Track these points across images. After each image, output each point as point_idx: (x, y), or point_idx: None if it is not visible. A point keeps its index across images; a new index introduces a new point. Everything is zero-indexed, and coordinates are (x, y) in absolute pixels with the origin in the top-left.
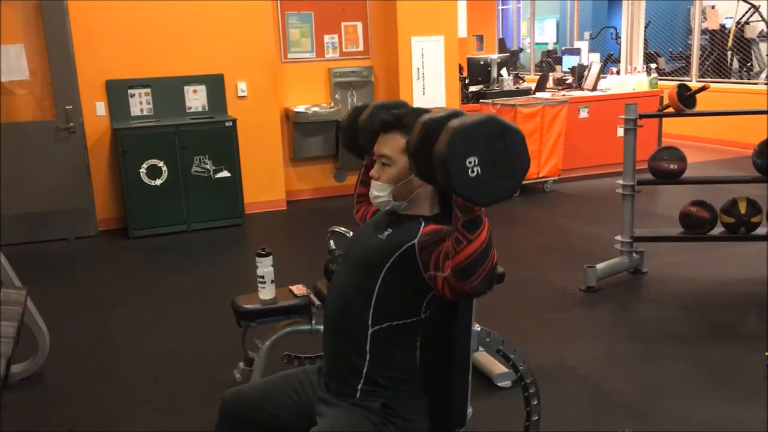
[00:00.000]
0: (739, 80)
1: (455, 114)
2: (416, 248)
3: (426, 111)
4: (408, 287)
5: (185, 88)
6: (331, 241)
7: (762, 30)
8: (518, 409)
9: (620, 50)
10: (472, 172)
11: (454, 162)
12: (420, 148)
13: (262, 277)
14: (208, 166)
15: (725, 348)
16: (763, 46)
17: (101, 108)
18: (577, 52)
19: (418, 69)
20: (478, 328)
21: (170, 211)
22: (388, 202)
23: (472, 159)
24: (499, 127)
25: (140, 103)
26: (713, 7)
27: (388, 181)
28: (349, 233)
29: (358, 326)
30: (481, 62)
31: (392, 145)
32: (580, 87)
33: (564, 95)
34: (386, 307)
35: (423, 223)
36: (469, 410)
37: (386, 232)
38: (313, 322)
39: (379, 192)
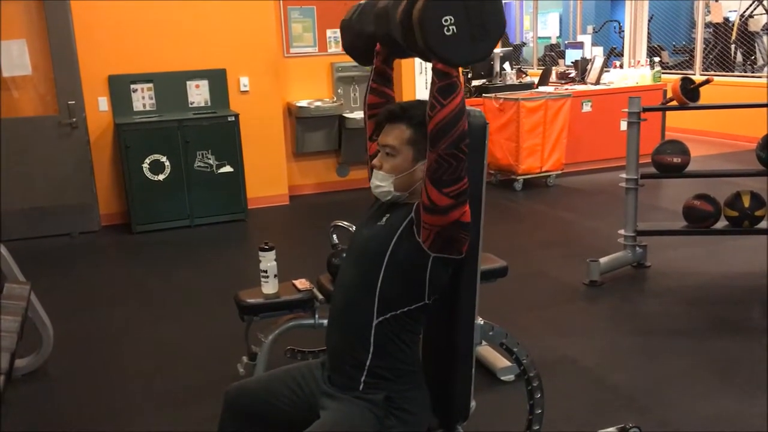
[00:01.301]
0: (742, 73)
1: None
2: (413, 220)
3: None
4: (410, 266)
5: (188, 83)
6: (334, 236)
7: (766, 23)
8: (521, 402)
9: (623, 44)
10: (448, 30)
11: (429, 21)
12: (407, 15)
13: (265, 271)
14: (210, 161)
15: (729, 342)
16: (767, 39)
17: (104, 103)
18: (580, 45)
19: (420, 63)
20: (481, 322)
21: (173, 207)
22: (389, 193)
23: (447, 18)
24: None
25: (143, 98)
26: (717, 0)
27: (391, 171)
28: (351, 227)
29: (364, 318)
30: None
31: (397, 135)
32: (583, 81)
33: (567, 89)
34: (391, 294)
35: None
36: (473, 404)
37: (385, 218)
38: (316, 316)
39: (381, 182)
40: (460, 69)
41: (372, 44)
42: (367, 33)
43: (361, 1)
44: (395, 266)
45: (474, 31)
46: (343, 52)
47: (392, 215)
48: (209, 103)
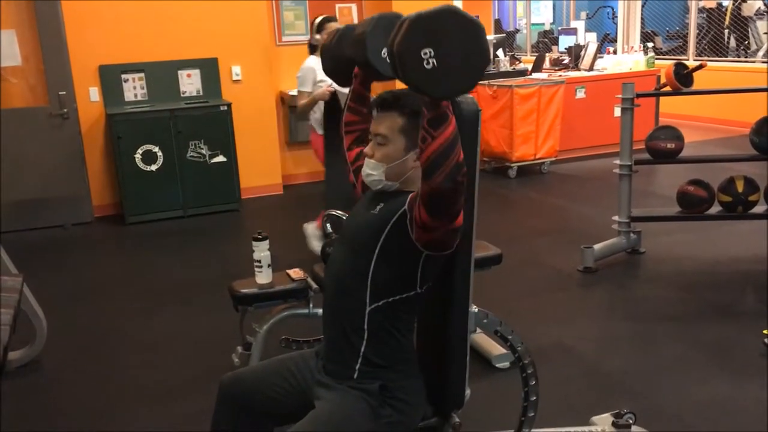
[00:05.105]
0: (736, 58)
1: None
2: (407, 213)
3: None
4: (402, 258)
5: (179, 72)
6: (328, 225)
7: (759, 8)
8: (516, 389)
9: (617, 30)
10: (428, 63)
11: (408, 54)
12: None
13: (259, 261)
14: (203, 151)
15: (723, 327)
16: (760, 24)
17: (95, 93)
18: (573, 32)
19: None
20: (476, 309)
21: (166, 197)
22: (380, 182)
23: (427, 51)
24: (457, 19)
25: (134, 88)
26: None
27: (382, 160)
28: (345, 216)
29: (356, 305)
30: None
31: (388, 124)
32: (576, 67)
33: (561, 76)
34: (382, 282)
35: (413, 193)
36: (467, 391)
37: (378, 207)
38: (311, 305)
39: (372, 170)
40: None
41: (351, 67)
42: (347, 57)
43: (340, 27)
44: (386, 256)
45: (457, 64)
46: None
47: (386, 204)
48: (201, 93)
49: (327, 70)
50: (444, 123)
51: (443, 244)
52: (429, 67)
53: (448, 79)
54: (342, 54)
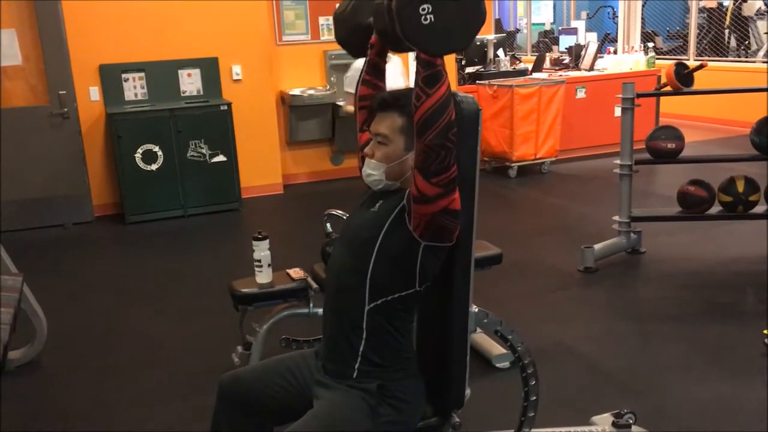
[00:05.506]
0: (736, 58)
1: None
2: (405, 207)
3: None
4: (401, 254)
5: (179, 71)
6: (328, 224)
7: (759, 7)
8: (516, 389)
9: (617, 29)
10: (425, 19)
11: (407, 9)
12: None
13: (259, 261)
14: (203, 151)
15: (723, 326)
16: (760, 23)
17: (95, 93)
18: (574, 31)
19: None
20: (476, 309)
21: (166, 196)
22: (380, 181)
23: (425, 6)
24: None
25: (134, 88)
26: None
27: (383, 159)
28: (345, 216)
29: (355, 303)
30: (477, 43)
31: (389, 124)
32: (577, 67)
33: (561, 75)
34: (382, 280)
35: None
36: (468, 391)
37: (377, 204)
38: (311, 305)
39: (373, 170)
40: (453, 56)
41: (367, 37)
42: (363, 26)
43: None
44: (386, 253)
45: (453, 21)
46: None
47: (385, 202)
48: (201, 92)
49: (340, 40)
50: (438, 82)
51: (440, 230)
52: (426, 23)
53: (444, 35)
54: (357, 23)
